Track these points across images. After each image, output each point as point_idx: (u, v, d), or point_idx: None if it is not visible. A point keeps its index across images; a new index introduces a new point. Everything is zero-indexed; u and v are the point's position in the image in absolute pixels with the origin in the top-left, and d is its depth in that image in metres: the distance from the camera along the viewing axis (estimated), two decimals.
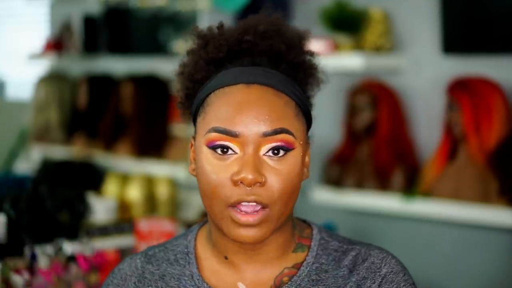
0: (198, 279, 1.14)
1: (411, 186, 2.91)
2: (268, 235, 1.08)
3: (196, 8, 3.55)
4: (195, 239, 1.19)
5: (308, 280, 1.12)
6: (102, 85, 4.27)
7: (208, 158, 1.08)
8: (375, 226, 3.10)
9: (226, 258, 1.14)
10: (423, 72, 2.97)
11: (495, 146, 2.62)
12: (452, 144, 2.77)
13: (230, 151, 1.07)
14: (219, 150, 1.07)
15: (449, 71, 2.85)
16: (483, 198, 2.66)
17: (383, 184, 2.97)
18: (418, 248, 2.96)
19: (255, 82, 1.09)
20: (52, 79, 4.56)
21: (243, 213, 1.06)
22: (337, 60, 2.94)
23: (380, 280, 1.12)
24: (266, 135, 1.06)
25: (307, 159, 1.13)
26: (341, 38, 3.00)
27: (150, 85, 3.94)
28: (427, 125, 2.96)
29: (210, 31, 1.15)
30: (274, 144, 1.06)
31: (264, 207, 1.06)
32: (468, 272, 2.82)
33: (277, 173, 1.06)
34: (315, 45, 2.91)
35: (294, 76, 1.13)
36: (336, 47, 2.99)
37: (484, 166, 2.65)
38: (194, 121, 1.15)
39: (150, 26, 4.09)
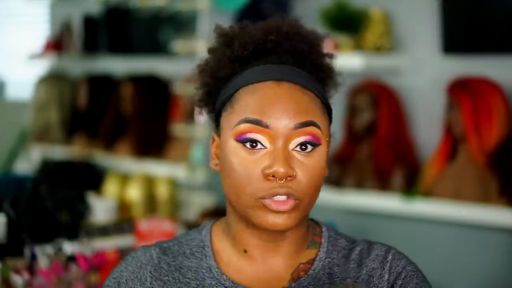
0: (216, 271, 1.14)
1: (411, 186, 2.91)
2: (294, 225, 1.09)
3: (196, 8, 3.55)
4: (210, 234, 1.19)
5: (323, 273, 1.15)
6: (102, 85, 4.27)
7: (236, 152, 1.09)
8: (375, 226, 3.10)
9: (245, 251, 1.15)
10: (423, 72, 2.97)
11: (495, 146, 2.62)
12: (452, 144, 2.77)
13: (259, 145, 1.08)
14: (248, 144, 1.08)
15: (449, 71, 2.85)
16: (483, 198, 2.66)
17: (383, 184, 2.97)
18: (418, 248, 2.96)
19: (284, 79, 1.11)
20: (52, 79, 4.56)
21: (275, 203, 1.07)
22: (337, 60, 2.93)
23: (388, 265, 1.16)
24: (296, 127, 1.08)
25: (327, 157, 1.16)
26: (341, 38, 3.00)
27: (150, 85, 3.94)
28: (427, 125, 2.96)
29: (232, 29, 1.18)
30: (303, 138, 1.08)
31: (295, 199, 1.08)
32: (468, 272, 2.82)
33: (305, 168, 1.08)
34: None
35: (316, 76, 1.16)
36: (336, 47, 2.99)
37: (484, 166, 2.65)
38: (218, 118, 1.16)
39: (150, 26, 4.09)
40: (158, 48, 4.00)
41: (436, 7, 2.89)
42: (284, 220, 1.08)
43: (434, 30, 2.92)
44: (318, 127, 1.09)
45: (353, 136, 3.06)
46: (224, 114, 1.13)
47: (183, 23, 3.85)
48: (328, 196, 3.09)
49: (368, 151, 3.03)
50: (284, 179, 1.06)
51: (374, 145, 2.99)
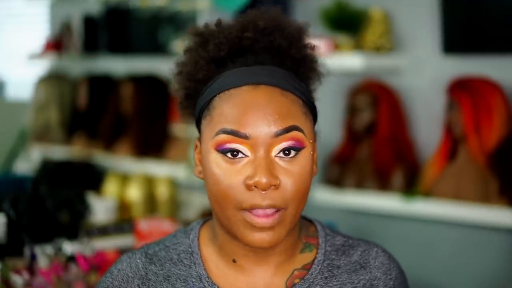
0: (207, 281, 1.10)
1: (411, 186, 2.91)
2: (283, 238, 1.05)
3: (196, 8, 3.55)
4: (198, 238, 1.15)
5: (321, 278, 1.12)
6: (102, 85, 4.27)
7: (217, 162, 1.04)
8: (375, 226, 3.10)
9: (234, 261, 1.11)
10: (423, 72, 2.97)
11: (495, 146, 2.62)
12: (452, 144, 2.77)
13: (240, 154, 1.03)
14: (229, 154, 1.04)
15: (449, 71, 2.85)
16: (483, 198, 2.66)
17: (383, 184, 2.97)
18: (418, 248, 2.96)
19: (261, 83, 1.06)
20: (52, 79, 4.56)
21: (258, 216, 1.03)
22: (337, 60, 2.94)
23: (391, 283, 1.15)
24: (277, 135, 1.03)
25: (315, 155, 1.11)
26: (341, 38, 3.00)
27: (150, 85, 3.95)
28: (427, 125, 2.96)
29: (207, 28, 1.13)
30: (285, 144, 1.04)
31: (280, 209, 1.04)
32: (468, 272, 2.82)
33: (290, 175, 1.03)
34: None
35: (297, 71, 1.11)
36: (336, 47, 2.99)
37: (484, 166, 2.65)
38: (198, 123, 1.12)
39: (150, 26, 4.09)
40: (158, 48, 4.00)
41: (436, 7, 2.89)
42: (271, 236, 1.03)
43: (434, 30, 2.92)
44: (301, 130, 1.05)
45: (353, 136, 3.06)
46: (203, 122, 1.09)
47: (183, 23, 3.85)
48: (328, 196, 3.09)
49: (368, 151, 3.03)
50: (266, 190, 1.02)
51: (374, 145, 2.99)
